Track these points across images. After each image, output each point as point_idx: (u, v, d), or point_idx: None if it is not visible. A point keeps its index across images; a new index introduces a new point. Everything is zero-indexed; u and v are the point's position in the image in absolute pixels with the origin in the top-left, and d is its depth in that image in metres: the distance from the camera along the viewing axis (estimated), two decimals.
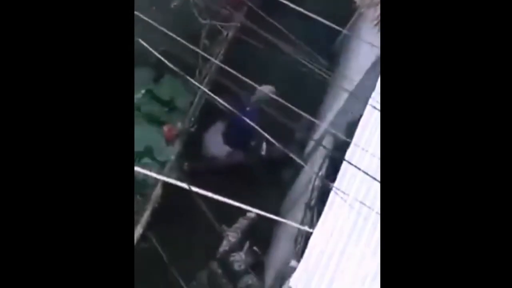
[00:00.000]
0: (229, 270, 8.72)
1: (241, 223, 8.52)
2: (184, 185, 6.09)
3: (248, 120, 7.48)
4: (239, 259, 8.71)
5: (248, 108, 9.48)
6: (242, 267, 8.66)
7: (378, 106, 6.75)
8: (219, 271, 8.72)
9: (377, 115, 6.95)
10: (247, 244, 8.89)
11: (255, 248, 8.89)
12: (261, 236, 8.87)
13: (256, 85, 8.64)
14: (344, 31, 10.13)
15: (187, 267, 8.49)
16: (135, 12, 6.61)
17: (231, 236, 8.96)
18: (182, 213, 8.60)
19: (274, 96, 9.42)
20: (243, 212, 8.89)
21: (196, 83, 7.77)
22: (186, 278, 8.12)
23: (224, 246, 8.85)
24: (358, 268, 6.06)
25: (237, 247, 8.87)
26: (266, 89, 9.59)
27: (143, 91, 8.61)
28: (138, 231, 7.68)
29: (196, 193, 6.17)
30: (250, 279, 8.62)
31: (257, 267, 8.89)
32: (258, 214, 7.39)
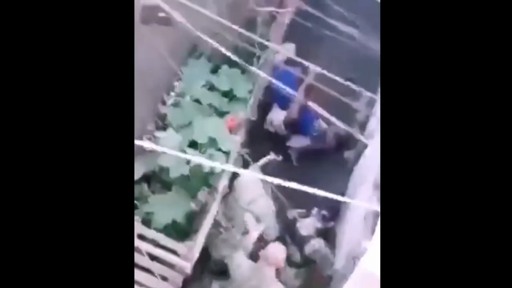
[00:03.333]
0: (296, 236, 8.74)
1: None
2: (253, 173, 6.13)
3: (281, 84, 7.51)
4: (307, 224, 8.73)
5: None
6: (310, 232, 8.66)
7: None
8: (287, 238, 8.75)
9: None
10: (315, 210, 8.89)
11: (323, 212, 8.87)
12: (326, 204, 8.85)
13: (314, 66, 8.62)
14: None
15: None
16: (193, 5, 6.69)
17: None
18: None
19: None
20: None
21: (257, 70, 7.78)
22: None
23: (292, 213, 8.86)
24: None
25: (304, 214, 8.89)
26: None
27: (202, 83, 8.66)
28: (209, 221, 7.73)
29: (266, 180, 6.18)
30: (317, 243, 8.62)
31: (326, 232, 8.89)
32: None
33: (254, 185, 8.35)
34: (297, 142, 10.07)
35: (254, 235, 8.07)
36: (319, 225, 8.85)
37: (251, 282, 7.76)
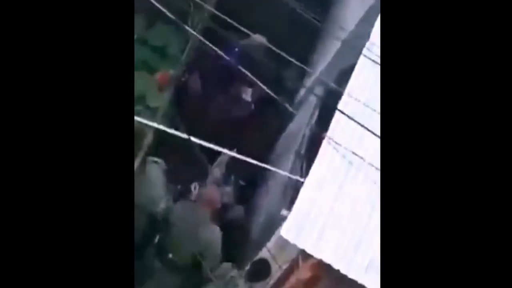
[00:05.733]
0: (218, 216, 8.74)
1: (222, 158, 8.55)
2: (178, 133, 6.10)
3: (229, 59, 7.46)
4: (225, 193, 8.75)
5: (236, 49, 9.34)
6: (230, 200, 8.69)
7: (372, 56, 6.74)
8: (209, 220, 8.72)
9: (370, 64, 6.91)
10: (232, 178, 8.91)
11: (240, 181, 8.91)
12: (247, 173, 8.87)
13: (248, 32, 8.59)
14: None
15: None
16: None
17: (216, 171, 8.98)
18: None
19: (266, 44, 9.41)
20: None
21: (190, 30, 7.71)
22: None
23: (210, 181, 8.85)
24: (349, 219, 6.10)
25: (222, 182, 8.90)
26: (259, 39, 9.50)
27: (135, 37, 8.54)
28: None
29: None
30: (237, 210, 8.66)
31: (244, 200, 8.93)
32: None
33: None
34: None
35: None
36: (236, 193, 8.87)
37: (187, 222, 7.80)
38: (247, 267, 7.34)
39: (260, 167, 7.17)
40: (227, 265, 7.57)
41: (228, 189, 8.79)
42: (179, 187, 8.39)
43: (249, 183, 9.06)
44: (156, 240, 7.91)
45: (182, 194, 8.28)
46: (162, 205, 7.87)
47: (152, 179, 7.97)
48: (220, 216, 8.31)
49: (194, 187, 8.29)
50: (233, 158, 8.22)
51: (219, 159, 8.88)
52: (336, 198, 6.24)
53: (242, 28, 8.20)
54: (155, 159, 8.03)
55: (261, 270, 7.20)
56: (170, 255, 7.84)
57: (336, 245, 5.99)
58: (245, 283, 7.16)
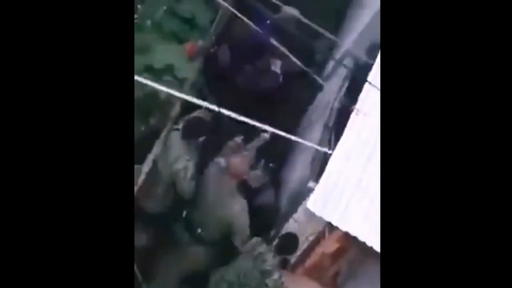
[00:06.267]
0: (245, 189, 8.74)
1: (256, 142, 8.47)
2: (205, 103, 6.11)
3: (259, 30, 7.39)
4: (255, 177, 8.71)
5: (268, 22, 9.27)
6: (259, 184, 8.66)
7: None
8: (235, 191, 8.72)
9: None
10: (262, 162, 8.89)
11: (271, 164, 8.89)
12: (276, 153, 8.84)
13: (279, 4, 8.54)
14: None
15: None
16: None
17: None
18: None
19: (298, 16, 9.36)
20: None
21: (220, 1, 7.68)
22: None
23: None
24: (377, 191, 6.08)
25: (253, 166, 8.87)
26: (291, 11, 9.42)
27: (164, 8, 8.54)
28: (158, 148, 7.69)
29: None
30: (267, 195, 8.63)
31: (274, 183, 8.91)
32: (272, 134, 7.41)
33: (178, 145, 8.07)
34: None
35: None
36: (267, 176, 8.82)
37: (213, 194, 7.81)
38: (275, 242, 7.32)
39: (288, 138, 7.14)
40: (256, 240, 7.53)
41: (258, 172, 8.74)
42: (200, 139, 8.20)
43: (278, 161, 9.02)
44: (184, 214, 7.91)
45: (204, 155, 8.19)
46: (181, 164, 7.79)
47: (172, 144, 7.92)
48: (247, 188, 8.28)
49: (241, 138, 8.20)
50: (264, 142, 8.20)
51: (250, 145, 8.79)
52: (364, 170, 6.23)
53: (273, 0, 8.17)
54: (177, 126, 7.98)
55: (289, 244, 7.18)
56: (199, 230, 7.84)
57: (362, 217, 5.99)
58: (273, 258, 7.13)
